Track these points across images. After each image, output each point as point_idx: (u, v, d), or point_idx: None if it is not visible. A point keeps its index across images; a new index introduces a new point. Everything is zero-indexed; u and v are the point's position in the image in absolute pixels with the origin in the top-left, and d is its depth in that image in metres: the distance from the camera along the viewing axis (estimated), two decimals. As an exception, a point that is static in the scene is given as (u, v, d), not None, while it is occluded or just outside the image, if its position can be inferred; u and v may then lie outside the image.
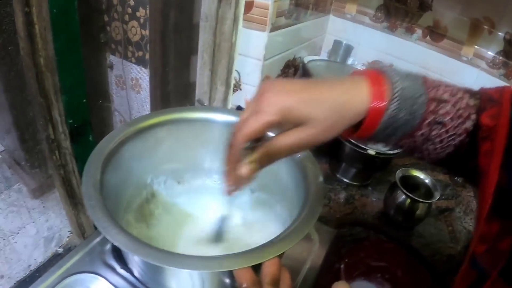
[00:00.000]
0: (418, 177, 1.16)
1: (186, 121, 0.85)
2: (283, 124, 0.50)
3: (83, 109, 0.91)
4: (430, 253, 1.07)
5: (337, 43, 1.50)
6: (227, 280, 0.62)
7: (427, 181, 1.15)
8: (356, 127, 0.53)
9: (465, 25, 1.34)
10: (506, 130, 0.46)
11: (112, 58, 1.99)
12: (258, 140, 0.52)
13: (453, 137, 0.53)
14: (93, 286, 0.81)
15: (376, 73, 0.52)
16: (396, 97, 0.49)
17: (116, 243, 0.54)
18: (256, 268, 0.50)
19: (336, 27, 1.60)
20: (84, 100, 0.90)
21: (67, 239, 1.93)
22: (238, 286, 0.46)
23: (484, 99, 0.52)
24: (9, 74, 1.32)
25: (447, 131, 0.52)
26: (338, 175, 1.31)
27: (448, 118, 0.51)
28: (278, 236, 0.59)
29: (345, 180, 1.29)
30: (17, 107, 1.64)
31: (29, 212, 2.12)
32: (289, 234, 0.59)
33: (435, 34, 1.40)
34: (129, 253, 0.55)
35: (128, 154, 0.78)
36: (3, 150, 2.19)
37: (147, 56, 1.80)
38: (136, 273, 0.75)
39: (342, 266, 0.97)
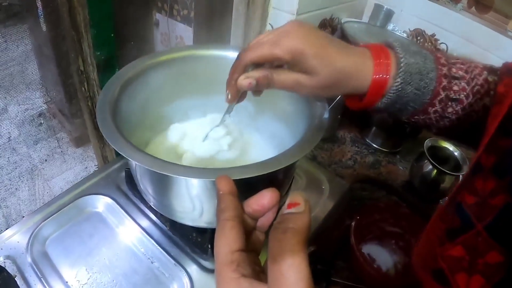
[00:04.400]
0: (448, 148, 1.12)
1: (206, 58, 0.86)
2: (290, 64, 0.54)
3: (110, 42, 0.94)
4: (450, 229, 1.04)
5: (377, 7, 1.45)
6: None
7: (456, 153, 1.10)
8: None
9: (513, -3, 1.27)
10: None
11: (158, 16, 2.02)
12: (261, 65, 0.57)
13: (470, 114, 0.54)
14: (103, 206, 0.84)
15: (381, 48, 0.55)
16: (401, 72, 0.52)
17: (116, 148, 0.57)
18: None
19: (378, -9, 1.55)
20: (112, 35, 0.93)
21: (93, 172, 2.00)
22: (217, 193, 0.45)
23: (502, 72, 0.53)
24: (49, 11, 1.38)
25: (463, 108, 0.54)
26: (367, 140, 1.28)
27: (463, 94, 0.53)
28: (269, 158, 0.60)
29: (374, 145, 1.26)
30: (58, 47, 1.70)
31: (69, 159, 2.21)
32: (281, 157, 0.60)
33: (480, 5, 1.33)
34: (127, 158, 0.56)
35: (148, 83, 0.80)
36: (49, 101, 2.28)
37: (192, 15, 1.82)
38: (145, 197, 0.78)
39: (353, 223, 0.95)
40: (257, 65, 0.57)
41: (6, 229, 0.81)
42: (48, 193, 2.05)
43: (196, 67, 0.86)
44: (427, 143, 1.10)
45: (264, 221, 0.43)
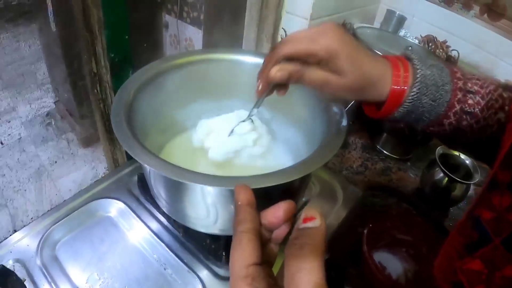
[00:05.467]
0: (459, 156, 1.11)
1: (220, 61, 0.85)
2: (322, 62, 0.55)
3: (125, 44, 0.94)
4: (461, 238, 1.03)
5: (390, 13, 1.44)
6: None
7: (467, 162, 1.09)
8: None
9: (525, 6, 1.26)
10: None
11: (167, 18, 2.02)
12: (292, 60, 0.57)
13: (484, 128, 0.55)
14: (114, 211, 0.84)
15: (399, 59, 0.58)
16: (417, 82, 0.54)
17: (131, 153, 0.56)
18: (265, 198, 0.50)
19: (390, -3, 1.55)
20: (126, 36, 0.93)
21: (103, 175, 2.01)
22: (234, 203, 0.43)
23: None
24: (60, 10, 1.38)
25: (477, 122, 0.55)
26: (378, 146, 1.27)
27: (477, 108, 0.55)
28: (288, 167, 0.59)
29: (384, 151, 1.25)
30: (69, 47, 1.70)
31: (77, 159, 2.22)
32: (300, 166, 0.59)
33: (493, 12, 1.31)
34: (143, 164, 0.56)
35: (162, 87, 0.79)
36: (58, 101, 2.29)
37: (201, 17, 1.82)
38: (158, 202, 0.77)
39: (365, 231, 0.95)
40: (289, 59, 0.57)
41: (15, 231, 0.80)
42: (56, 193, 2.05)
43: (211, 71, 0.85)
44: (439, 150, 1.09)
45: (279, 233, 0.42)
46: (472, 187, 1.10)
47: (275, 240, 0.43)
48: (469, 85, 0.55)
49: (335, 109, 0.71)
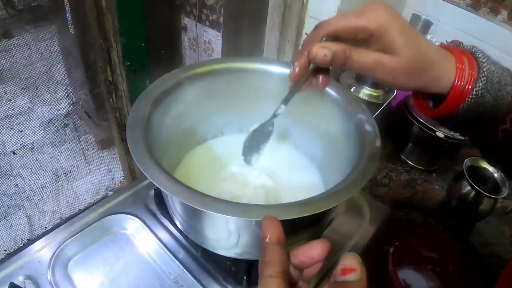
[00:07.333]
0: (487, 169, 1.06)
1: (244, 71, 0.81)
2: (372, 40, 0.47)
3: (141, 52, 0.91)
4: (487, 254, 0.98)
5: (415, 17, 1.40)
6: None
7: (496, 175, 1.05)
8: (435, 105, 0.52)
9: (556, 11, 1.21)
10: None
11: (186, 21, 2.00)
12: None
13: None
14: (129, 227, 0.81)
15: (462, 51, 0.50)
16: (483, 77, 0.47)
17: (146, 174, 0.53)
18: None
19: (415, 0, 1.50)
20: (143, 44, 0.90)
21: (119, 184, 1.99)
22: (262, 239, 0.39)
23: None
24: (77, 13, 1.36)
25: None
26: (402, 156, 1.23)
27: None
28: (319, 194, 0.55)
29: (409, 162, 1.22)
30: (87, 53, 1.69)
31: (94, 161, 2.21)
32: (332, 194, 0.55)
33: (521, 17, 1.27)
34: (157, 184, 0.52)
35: (181, 97, 0.76)
36: (76, 102, 2.28)
37: (221, 20, 1.79)
38: (175, 221, 0.74)
39: (391, 249, 0.91)
40: (333, 39, 0.49)
41: (28, 240, 0.78)
42: (73, 196, 2.05)
43: (234, 81, 0.82)
44: (467, 162, 1.05)
45: (310, 271, 0.39)
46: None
47: (305, 278, 0.39)
48: None
49: (367, 127, 0.67)
